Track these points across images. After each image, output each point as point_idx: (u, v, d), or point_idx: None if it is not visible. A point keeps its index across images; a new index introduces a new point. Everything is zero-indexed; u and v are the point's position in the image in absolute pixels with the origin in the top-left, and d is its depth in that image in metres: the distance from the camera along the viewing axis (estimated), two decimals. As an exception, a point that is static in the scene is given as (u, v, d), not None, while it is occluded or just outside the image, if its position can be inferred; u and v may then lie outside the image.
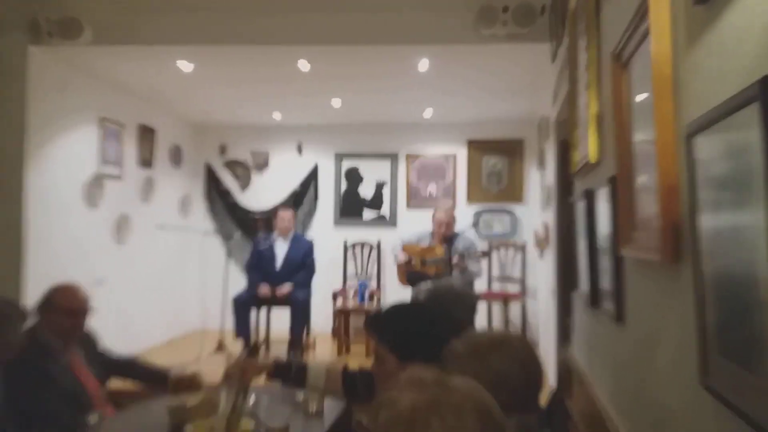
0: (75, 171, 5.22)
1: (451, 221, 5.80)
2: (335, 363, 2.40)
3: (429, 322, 2.07)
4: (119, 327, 5.62)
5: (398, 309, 2.13)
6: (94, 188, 5.40)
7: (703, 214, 1.06)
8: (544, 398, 2.08)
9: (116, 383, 2.91)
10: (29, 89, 4.57)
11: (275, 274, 6.01)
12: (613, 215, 1.83)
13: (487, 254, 5.66)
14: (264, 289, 5.90)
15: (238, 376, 2.09)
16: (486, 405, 1.09)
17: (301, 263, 6.09)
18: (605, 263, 2.02)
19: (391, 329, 2.05)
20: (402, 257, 5.83)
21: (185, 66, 5.02)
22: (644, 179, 1.55)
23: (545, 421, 1.94)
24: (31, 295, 2.83)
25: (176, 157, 7.04)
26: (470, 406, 1.05)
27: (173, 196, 7.02)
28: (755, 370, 0.85)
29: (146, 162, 6.35)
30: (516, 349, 1.62)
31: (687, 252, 1.20)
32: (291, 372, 2.27)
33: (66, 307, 2.67)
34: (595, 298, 2.21)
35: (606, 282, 2.04)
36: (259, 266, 6.10)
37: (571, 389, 2.69)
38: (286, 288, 5.89)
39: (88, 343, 2.85)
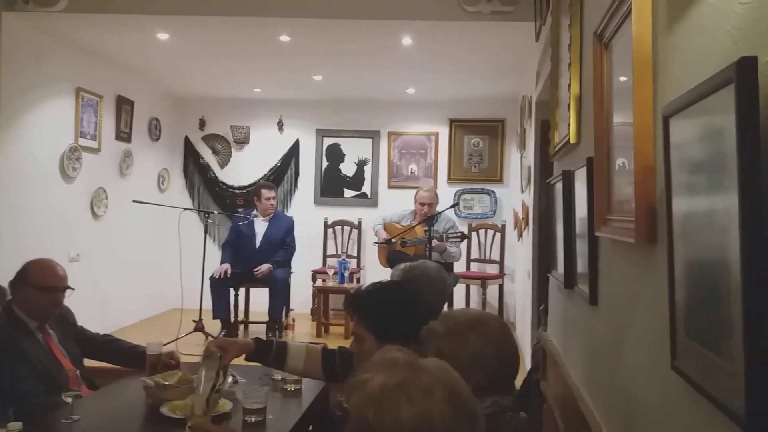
0: (51, 143, 5.13)
1: (433, 201, 5.81)
2: (313, 345, 2.39)
3: (408, 302, 2.07)
4: (95, 304, 5.58)
5: (378, 289, 2.13)
6: (70, 161, 5.32)
7: (677, 197, 1.06)
8: (519, 380, 2.10)
9: (92, 362, 2.88)
10: (3, 58, 4.46)
11: (254, 252, 5.96)
12: (589, 196, 1.83)
13: (466, 237, 5.67)
14: (221, 270, 5.80)
15: (217, 354, 2.08)
16: (456, 387, 1.09)
17: (281, 241, 6.05)
18: (581, 245, 2.03)
19: (370, 309, 2.05)
20: (383, 234, 5.83)
21: (164, 36, 4.93)
22: (622, 161, 1.55)
23: (520, 402, 1.96)
24: (5, 270, 2.77)
25: (155, 130, 6.95)
26: (440, 387, 1.06)
27: (151, 171, 6.94)
28: (721, 352, 0.86)
29: (124, 135, 6.26)
30: (493, 330, 1.62)
31: (662, 235, 1.20)
32: (271, 352, 2.26)
33: (42, 283, 2.61)
34: (570, 279, 2.22)
35: (581, 264, 2.05)
36: (237, 244, 6.05)
37: (546, 371, 2.72)
38: (264, 268, 5.85)
39: (65, 320, 2.80)
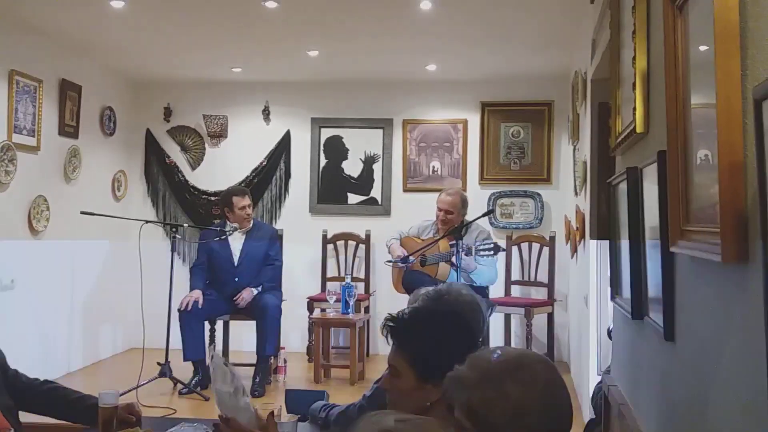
0: (-24, 140, 5.17)
1: (455, 209, 5.76)
2: None
3: (463, 333, 2.06)
4: (34, 343, 5.61)
5: (430, 312, 2.13)
6: (2, 163, 5.36)
7: (775, 200, 1.05)
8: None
9: (30, 415, 2.89)
10: None
11: (233, 272, 5.98)
12: (661, 201, 1.82)
13: (501, 248, 5.59)
14: (189, 299, 5.79)
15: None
16: None
17: (265, 257, 6.06)
18: (653, 264, 2.02)
19: (414, 338, 2.04)
20: (398, 250, 5.80)
21: (118, 4, 4.97)
22: (704, 154, 1.54)
23: (576, 463, 1.94)
24: None
25: (108, 122, 7.01)
26: None
27: (104, 174, 6.99)
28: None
29: (69, 129, 6.31)
30: (537, 373, 1.61)
31: (755, 250, 1.19)
32: None
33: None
34: (638, 308, 2.21)
35: (653, 288, 2.03)
36: (210, 266, 6.05)
37: (610, 425, 2.71)
38: (246, 294, 5.86)
39: (-9, 362, 2.82)
